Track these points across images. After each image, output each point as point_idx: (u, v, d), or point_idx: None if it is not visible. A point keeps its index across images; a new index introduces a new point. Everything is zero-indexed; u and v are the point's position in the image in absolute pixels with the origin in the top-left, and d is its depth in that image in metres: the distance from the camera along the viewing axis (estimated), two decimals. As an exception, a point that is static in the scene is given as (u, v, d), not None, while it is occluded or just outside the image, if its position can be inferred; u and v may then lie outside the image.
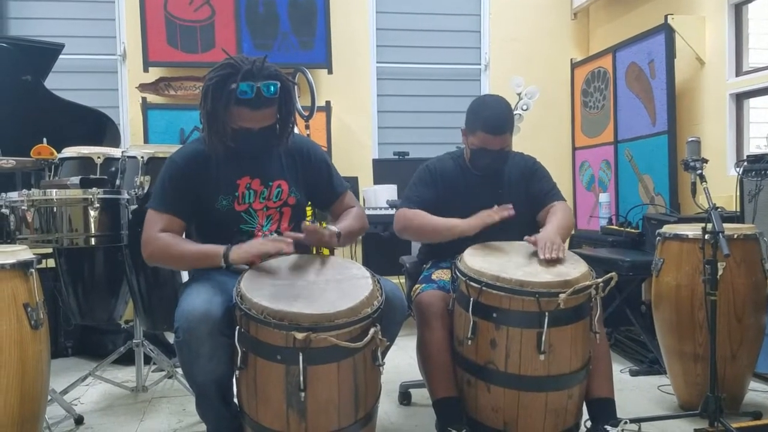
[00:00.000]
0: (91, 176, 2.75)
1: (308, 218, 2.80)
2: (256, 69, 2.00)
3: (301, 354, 1.69)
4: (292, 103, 2.17)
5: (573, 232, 3.78)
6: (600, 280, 2.04)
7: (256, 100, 2.00)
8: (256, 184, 2.19)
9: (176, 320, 1.86)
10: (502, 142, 2.43)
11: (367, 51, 5.08)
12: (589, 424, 2.20)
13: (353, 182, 4.42)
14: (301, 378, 1.70)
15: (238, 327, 1.80)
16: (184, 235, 2.18)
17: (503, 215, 2.32)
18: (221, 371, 1.88)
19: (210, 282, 1.97)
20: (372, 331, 1.77)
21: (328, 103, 4.87)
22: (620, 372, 3.27)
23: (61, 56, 3.86)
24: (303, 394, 1.71)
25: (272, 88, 2.01)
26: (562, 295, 1.95)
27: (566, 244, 3.83)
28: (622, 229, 3.93)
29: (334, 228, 2.14)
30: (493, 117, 2.42)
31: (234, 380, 1.91)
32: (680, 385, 2.78)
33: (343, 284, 1.90)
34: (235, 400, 1.97)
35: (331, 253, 2.42)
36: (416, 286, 2.45)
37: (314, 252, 2.29)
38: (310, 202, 2.45)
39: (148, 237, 2.10)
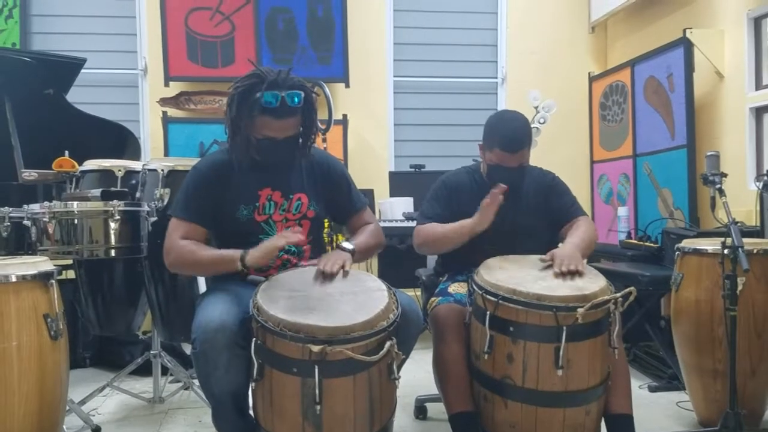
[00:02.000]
0: (112, 189, 2.78)
1: (326, 230, 2.82)
2: (281, 79, 2.05)
3: (316, 367, 1.70)
4: (315, 114, 2.20)
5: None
6: (619, 294, 2.03)
7: (281, 109, 2.04)
8: (277, 196, 2.21)
9: (193, 331, 1.88)
10: (520, 159, 2.43)
11: (384, 65, 5.11)
12: (607, 440, 2.18)
13: (369, 195, 4.43)
14: (317, 391, 1.70)
15: (254, 339, 1.81)
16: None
17: (498, 196, 2.29)
18: (237, 383, 1.89)
19: (227, 294, 1.99)
20: (388, 344, 1.77)
21: (345, 116, 4.89)
22: (639, 388, 3.23)
23: (83, 70, 3.92)
24: (318, 407, 1.71)
25: (296, 99, 2.05)
26: (580, 310, 1.93)
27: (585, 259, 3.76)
28: (641, 243, 3.89)
29: (348, 245, 2.16)
30: (510, 134, 2.41)
31: (250, 392, 1.92)
32: (699, 402, 2.74)
33: (359, 297, 1.90)
34: (251, 411, 1.98)
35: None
36: (432, 299, 2.45)
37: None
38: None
39: (170, 245, 2.13)
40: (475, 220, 2.31)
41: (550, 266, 2.19)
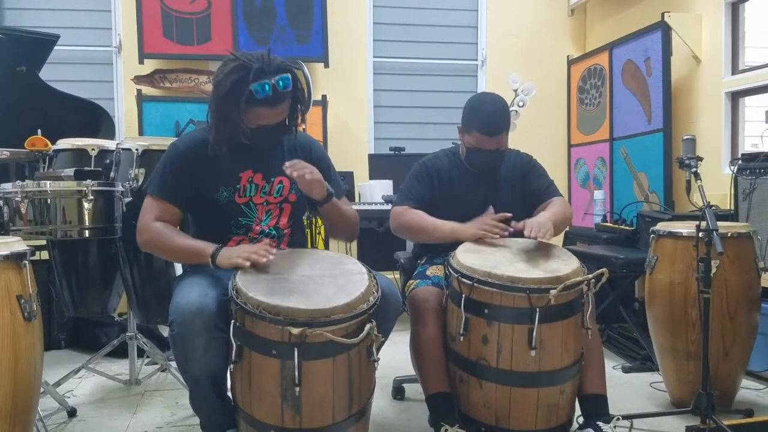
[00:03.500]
0: (86, 168, 2.73)
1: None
2: (265, 65, 1.99)
3: (296, 349, 1.69)
4: (299, 91, 2.16)
5: (568, 228, 3.78)
6: (591, 276, 2.05)
7: (273, 97, 2.00)
8: (258, 179, 2.19)
9: (171, 313, 1.86)
10: (498, 143, 2.43)
11: (364, 45, 5.07)
12: (581, 420, 2.22)
13: (349, 177, 4.42)
14: (296, 373, 1.70)
15: (233, 321, 1.80)
16: (180, 225, 2.19)
17: (500, 227, 2.32)
18: (215, 365, 1.88)
19: (205, 275, 1.97)
20: (367, 326, 1.77)
21: (324, 97, 4.86)
22: (613, 368, 3.28)
23: (56, 47, 3.82)
24: (298, 389, 1.71)
25: (285, 82, 2.01)
26: (553, 291, 1.96)
27: (561, 241, 3.82)
28: (616, 226, 3.94)
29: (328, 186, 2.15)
30: (489, 118, 2.42)
31: (228, 374, 1.91)
32: (672, 382, 2.79)
33: (339, 279, 1.90)
34: (229, 393, 1.97)
35: (326, 244, 2.41)
36: (410, 281, 2.45)
37: (310, 246, 2.29)
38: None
39: (144, 225, 2.10)
40: (462, 228, 2.35)
41: (524, 249, 2.22)
